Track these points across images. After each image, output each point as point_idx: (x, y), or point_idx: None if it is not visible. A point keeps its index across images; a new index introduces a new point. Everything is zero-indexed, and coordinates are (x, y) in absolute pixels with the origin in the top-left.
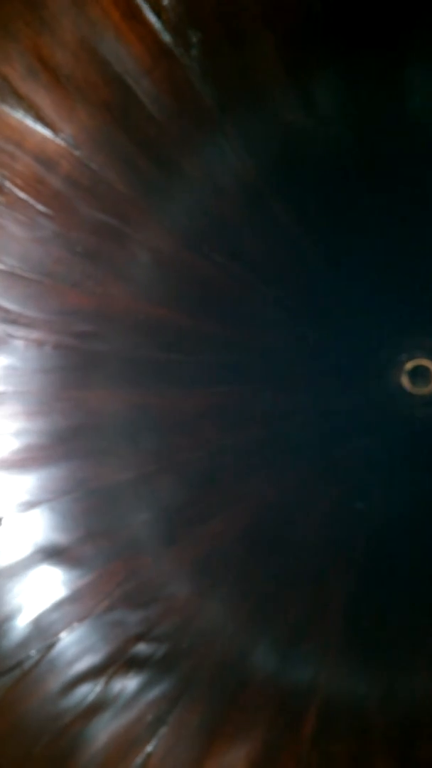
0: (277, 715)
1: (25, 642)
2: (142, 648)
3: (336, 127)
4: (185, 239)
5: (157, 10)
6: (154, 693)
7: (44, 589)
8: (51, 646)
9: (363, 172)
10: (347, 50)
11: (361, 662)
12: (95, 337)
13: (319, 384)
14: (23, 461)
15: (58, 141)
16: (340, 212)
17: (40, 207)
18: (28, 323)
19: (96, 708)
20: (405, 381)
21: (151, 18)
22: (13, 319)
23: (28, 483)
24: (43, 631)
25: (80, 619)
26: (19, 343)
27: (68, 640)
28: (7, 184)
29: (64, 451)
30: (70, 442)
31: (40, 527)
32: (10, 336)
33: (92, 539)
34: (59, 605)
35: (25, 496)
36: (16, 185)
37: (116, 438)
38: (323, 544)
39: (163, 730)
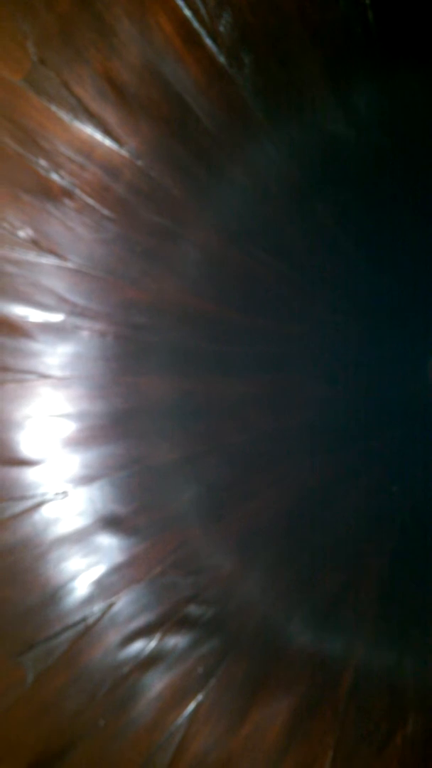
0: (317, 672)
1: (89, 600)
2: (192, 609)
3: (375, 134)
4: (233, 238)
5: (214, 36)
6: (204, 649)
7: (104, 554)
8: (112, 604)
9: (401, 175)
10: (386, 65)
11: (394, 630)
12: (149, 328)
13: (359, 375)
14: (85, 439)
15: (123, 152)
16: (380, 213)
17: (105, 211)
18: (92, 316)
19: (152, 660)
20: None
21: (209, 42)
22: (80, 312)
23: (89, 459)
24: (104, 590)
25: (137, 581)
26: (85, 334)
27: (126, 599)
28: (77, 191)
29: (121, 431)
30: (126, 423)
31: (99, 499)
32: (77, 327)
33: (146, 511)
34: (118, 568)
35: (87, 471)
36: (85, 192)
37: (166, 421)
38: (360, 522)
39: (212, 682)
